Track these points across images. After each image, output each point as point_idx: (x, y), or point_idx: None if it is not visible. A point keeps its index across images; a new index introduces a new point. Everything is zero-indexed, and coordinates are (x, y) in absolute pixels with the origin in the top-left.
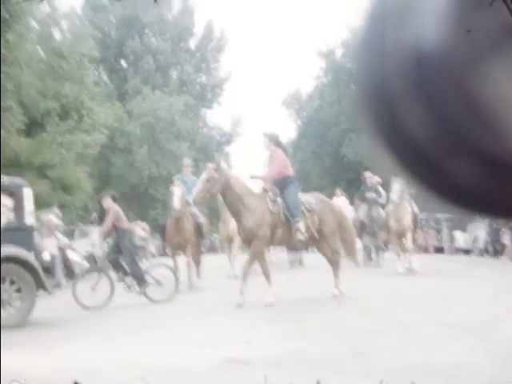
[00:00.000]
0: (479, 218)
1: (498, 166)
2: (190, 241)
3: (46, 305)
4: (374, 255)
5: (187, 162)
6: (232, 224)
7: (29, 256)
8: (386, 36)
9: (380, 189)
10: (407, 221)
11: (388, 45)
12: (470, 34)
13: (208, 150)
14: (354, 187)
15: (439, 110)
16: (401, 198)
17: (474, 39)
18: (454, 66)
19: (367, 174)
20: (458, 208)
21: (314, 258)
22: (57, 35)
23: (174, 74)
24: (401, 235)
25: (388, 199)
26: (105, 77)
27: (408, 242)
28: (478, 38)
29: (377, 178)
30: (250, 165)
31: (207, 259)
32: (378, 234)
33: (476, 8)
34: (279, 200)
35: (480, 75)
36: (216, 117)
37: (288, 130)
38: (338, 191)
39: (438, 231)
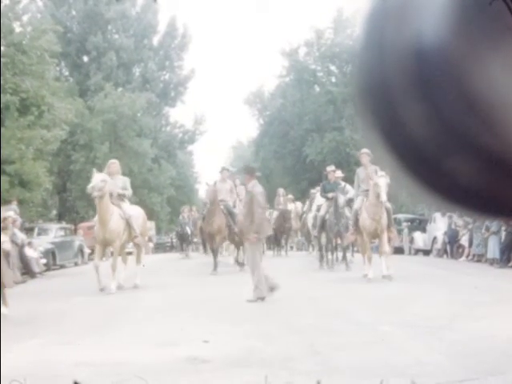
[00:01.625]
0: (478, 217)
1: (498, 165)
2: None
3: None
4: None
5: None
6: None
7: None
8: (386, 34)
9: (345, 185)
10: (384, 219)
11: (388, 43)
12: (469, 34)
13: (171, 147)
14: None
15: (439, 109)
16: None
17: (474, 38)
18: (454, 64)
19: (329, 168)
20: (457, 207)
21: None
22: (17, 28)
23: (137, 71)
24: (375, 236)
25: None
26: (66, 72)
27: (385, 243)
28: (478, 37)
29: (339, 173)
30: (212, 163)
31: None
32: (343, 235)
33: (476, 7)
34: None
35: (480, 74)
36: (179, 115)
37: (251, 129)
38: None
39: (399, 232)
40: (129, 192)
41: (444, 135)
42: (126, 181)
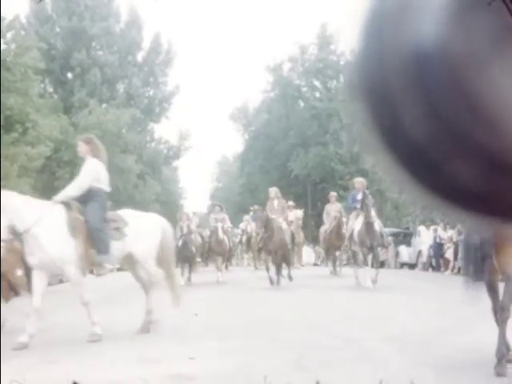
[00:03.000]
0: (480, 220)
1: (500, 167)
2: None
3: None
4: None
5: None
6: None
7: None
8: (386, 35)
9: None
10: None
11: (387, 44)
12: (469, 34)
13: (155, 163)
14: (301, 201)
15: (439, 110)
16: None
17: (474, 38)
18: (453, 65)
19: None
20: (459, 210)
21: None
22: (1, 46)
23: (121, 88)
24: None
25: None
26: (51, 89)
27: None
28: (478, 38)
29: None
30: (197, 179)
31: None
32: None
33: (475, 7)
34: None
35: (480, 75)
36: (164, 131)
37: (236, 144)
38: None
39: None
40: None
41: (445, 137)
42: None
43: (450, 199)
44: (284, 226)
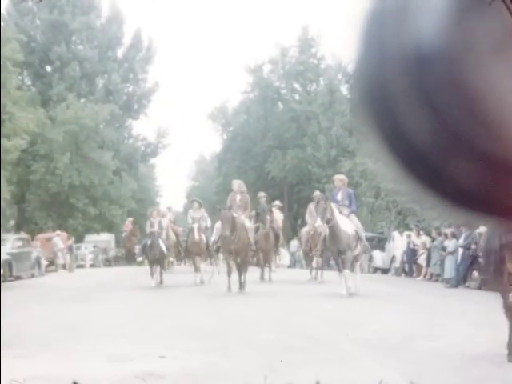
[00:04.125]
0: (481, 220)
1: (500, 168)
2: None
3: None
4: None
5: None
6: None
7: None
8: (386, 36)
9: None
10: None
11: (387, 45)
12: (469, 34)
13: (133, 160)
14: None
15: (439, 111)
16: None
17: (474, 39)
18: (454, 66)
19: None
20: (460, 210)
21: None
22: None
23: (100, 83)
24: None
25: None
26: (29, 82)
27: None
28: (478, 38)
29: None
30: (174, 176)
31: None
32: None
33: (475, 8)
34: None
35: (480, 75)
36: (142, 127)
37: (214, 144)
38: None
39: None
40: None
41: (445, 137)
42: None
43: (451, 200)
44: (247, 224)
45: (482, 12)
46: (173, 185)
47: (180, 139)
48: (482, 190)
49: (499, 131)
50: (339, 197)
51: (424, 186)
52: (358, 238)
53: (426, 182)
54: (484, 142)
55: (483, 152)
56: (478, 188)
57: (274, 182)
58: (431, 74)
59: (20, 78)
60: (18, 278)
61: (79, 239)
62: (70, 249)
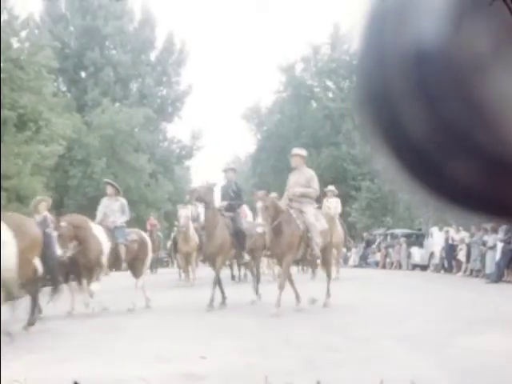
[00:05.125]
0: (482, 219)
1: (501, 167)
2: None
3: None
4: None
5: None
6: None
7: None
8: (386, 36)
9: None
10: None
11: (388, 45)
12: (470, 34)
13: (168, 163)
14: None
15: (440, 111)
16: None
17: (475, 38)
18: (454, 65)
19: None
20: (460, 209)
21: None
22: (15, 44)
23: (134, 87)
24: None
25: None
26: (64, 88)
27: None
28: (479, 38)
29: None
30: (209, 178)
31: None
32: None
33: (476, 7)
34: None
35: (481, 75)
36: (176, 130)
37: (248, 144)
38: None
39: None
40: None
41: (446, 137)
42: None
43: (452, 200)
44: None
45: (482, 11)
46: None
47: (214, 140)
48: (483, 190)
49: (500, 131)
50: None
51: (425, 186)
52: None
53: (427, 182)
54: (485, 141)
55: (484, 150)
56: (478, 187)
57: None
58: (432, 73)
59: (55, 84)
60: None
61: None
62: None
